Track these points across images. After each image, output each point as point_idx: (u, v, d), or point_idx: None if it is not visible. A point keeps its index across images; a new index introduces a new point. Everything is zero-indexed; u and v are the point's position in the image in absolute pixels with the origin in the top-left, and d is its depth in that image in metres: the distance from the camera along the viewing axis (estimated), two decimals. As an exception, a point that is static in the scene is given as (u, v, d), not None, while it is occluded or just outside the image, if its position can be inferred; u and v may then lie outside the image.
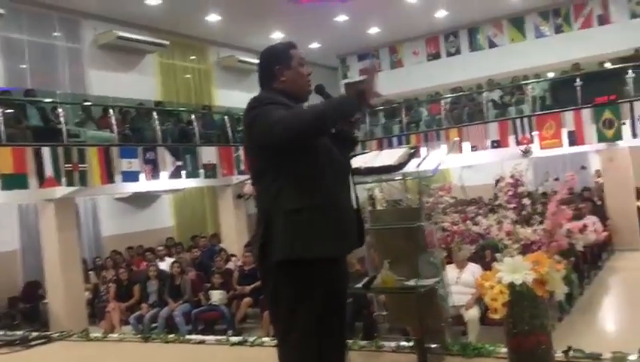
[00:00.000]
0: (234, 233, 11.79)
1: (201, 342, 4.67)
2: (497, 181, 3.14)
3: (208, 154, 11.47)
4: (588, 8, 15.26)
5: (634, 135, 11.35)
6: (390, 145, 13.37)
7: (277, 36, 15.14)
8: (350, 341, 3.83)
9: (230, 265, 9.56)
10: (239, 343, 4.42)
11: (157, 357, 4.63)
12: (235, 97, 14.22)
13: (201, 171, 11.30)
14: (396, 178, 3.53)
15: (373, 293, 3.55)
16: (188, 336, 5.10)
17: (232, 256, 10.15)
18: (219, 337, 4.73)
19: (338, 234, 2.33)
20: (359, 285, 3.21)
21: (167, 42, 13.81)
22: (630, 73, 11.98)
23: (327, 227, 2.30)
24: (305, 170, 2.33)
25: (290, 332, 2.38)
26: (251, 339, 4.39)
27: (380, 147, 13.19)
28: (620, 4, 14.86)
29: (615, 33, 14.46)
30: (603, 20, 15.11)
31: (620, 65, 12.77)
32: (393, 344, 3.73)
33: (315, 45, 16.13)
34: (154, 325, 8.20)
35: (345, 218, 2.38)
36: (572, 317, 7.18)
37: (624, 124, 11.35)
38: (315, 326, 2.35)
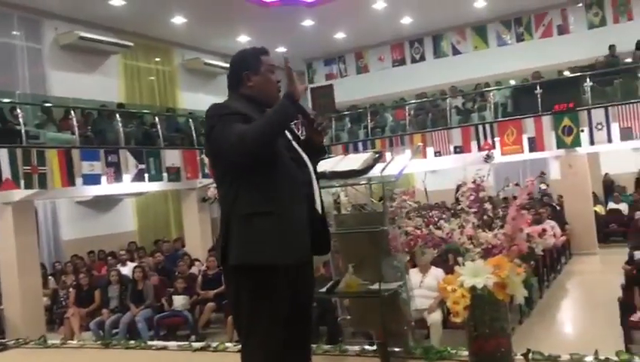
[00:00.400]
0: (198, 237, 11.67)
1: (164, 348, 4.58)
2: (458, 186, 3.19)
3: (172, 157, 11.35)
4: (548, 18, 15.65)
5: (591, 142, 11.69)
6: (356, 150, 13.46)
7: (243, 39, 15.10)
8: (314, 345, 3.83)
9: (194, 270, 9.45)
10: (202, 349, 4.36)
11: (118, 364, 4.55)
12: (200, 100, 14.11)
13: (165, 174, 11.17)
14: (361, 182, 3.55)
15: (337, 297, 3.55)
16: (150, 342, 5.00)
17: (196, 260, 10.04)
18: (181, 343, 4.65)
19: (288, 243, 2.31)
20: (323, 289, 3.21)
21: (131, 43, 13.62)
22: (588, 82, 12.36)
23: (278, 235, 2.28)
24: (260, 176, 2.32)
25: (250, 337, 2.38)
26: (214, 345, 4.34)
27: (346, 151, 13.22)
28: (578, 15, 15.29)
29: (574, 43, 14.89)
30: (562, 30, 15.53)
31: (579, 74, 13.14)
32: (357, 348, 3.74)
33: (281, 49, 16.11)
34: (115, 331, 8.04)
35: (297, 227, 2.34)
36: (532, 320, 7.34)
37: (582, 131, 11.68)
38: (275, 332, 2.34)
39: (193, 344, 4.57)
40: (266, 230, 2.28)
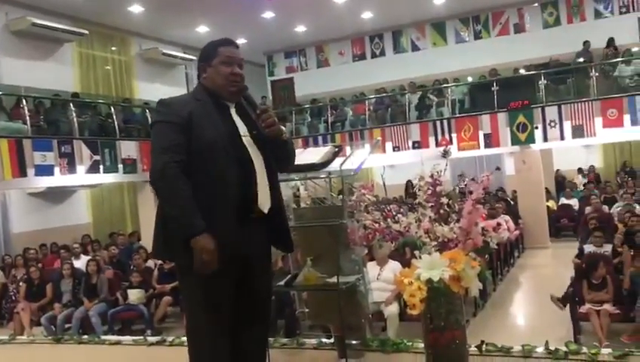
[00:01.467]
0: (153, 230, 11.44)
1: (117, 343, 4.50)
2: (408, 181, 3.23)
3: (128, 148, 11.13)
4: (505, 16, 15.96)
5: (545, 139, 12.02)
6: (316, 144, 13.47)
7: (202, 30, 14.89)
8: (271, 339, 3.82)
9: (150, 264, 9.30)
10: (157, 343, 4.29)
11: (70, 360, 4.43)
12: (157, 91, 13.86)
13: (121, 166, 10.95)
14: (321, 176, 3.55)
15: (295, 291, 3.55)
16: (103, 337, 4.90)
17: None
18: (136, 337, 4.56)
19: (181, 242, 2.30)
20: (281, 283, 3.21)
21: (86, 32, 13.23)
22: (542, 80, 12.67)
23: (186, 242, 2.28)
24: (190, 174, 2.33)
25: (192, 331, 2.42)
26: (170, 339, 4.28)
27: (306, 145, 13.22)
28: (534, 15, 15.65)
29: (529, 41, 15.22)
30: (519, 29, 15.86)
31: (534, 72, 13.48)
32: (314, 341, 3.75)
33: (241, 41, 15.94)
34: (67, 326, 7.86)
35: (220, 228, 2.30)
36: (486, 312, 7.51)
37: (536, 128, 11.99)
38: (213, 324, 2.36)
39: (148, 338, 4.49)
40: (172, 230, 2.33)
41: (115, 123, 11.46)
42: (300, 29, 16.59)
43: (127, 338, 4.62)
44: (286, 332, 6.11)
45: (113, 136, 11.26)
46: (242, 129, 2.49)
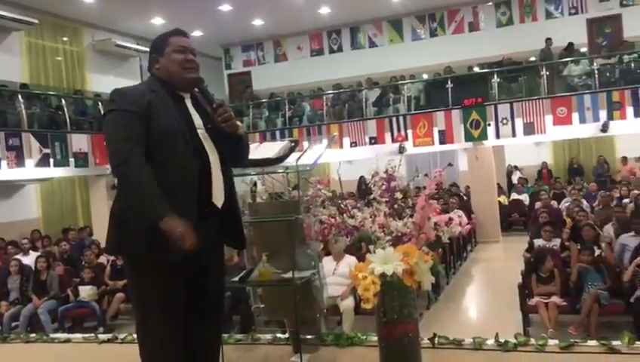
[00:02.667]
0: (107, 226, 11.19)
1: (67, 341, 4.38)
2: (361, 177, 3.25)
3: (80, 141, 10.86)
4: (460, 15, 16.24)
5: (497, 135, 12.30)
6: (273, 138, 13.43)
7: (157, 22, 14.62)
8: (226, 335, 3.80)
9: (102, 260, 9.10)
10: (109, 340, 4.20)
11: (16, 359, 4.29)
12: (110, 83, 13.43)
13: (72, 160, 10.67)
14: (278, 171, 3.54)
15: (250, 286, 3.54)
16: (53, 335, 4.76)
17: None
18: (87, 335, 4.45)
19: (156, 239, 2.23)
20: (235, 279, 3.19)
21: (35, 21, 12.80)
22: (495, 78, 12.97)
23: (146, 233, 2.24)
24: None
25: (141, 327, 2.38)
26: (122, 336, 4.20)
27: (263, 140, 13.17)
28: (488, 14, 15.97)
29: (483, 40, 15.53)
30: (473, 27, 16.16)
31: (487, 70, 13.78)
32: (269, 336, 3.75)
33: (197, 33, 15.75)
34: (15, 324, 7.61)
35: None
36: (439, 305, 7.65)
37: (489, 125, 12.26)
38: (166, 320, 2.33)
39: (99, 336, 4.39)
40: (132, 224, 2.28)
41: (66, 115, 11.15)
42: (258, 22, 16.48)
43: (78, 336, 4.51)
44: (241, 327, 6.09)
45: (64, 128, 10.96)
46: (197, 122, 2.46)
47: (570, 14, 15.21)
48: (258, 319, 3.99)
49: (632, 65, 12.64)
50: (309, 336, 3.47)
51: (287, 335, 3.61)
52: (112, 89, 2.43)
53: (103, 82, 14.20)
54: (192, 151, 2.35)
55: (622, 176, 14.38)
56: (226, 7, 14.71)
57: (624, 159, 15.04)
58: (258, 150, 3.25)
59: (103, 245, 9.93)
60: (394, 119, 13.30)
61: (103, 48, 15.11)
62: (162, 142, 2.30)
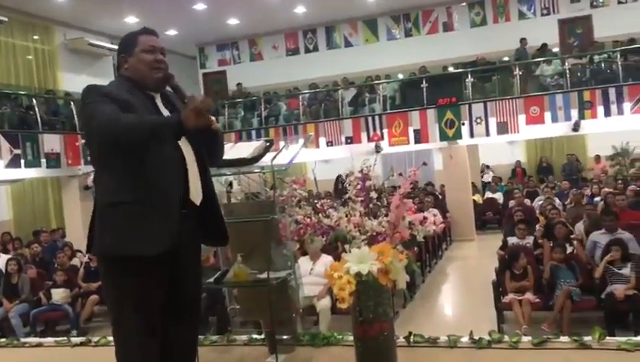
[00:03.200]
0: (80, 227, 11.03)
1: (39, 345, 4.30)
2: (338, 177, 3.25)
3: (51, 142, 10.68)
4: (435, 15, 16.35)
5: (471, 135, 12.44)
6: (249, 138, 13.38)
7: (131, 20, 14.43)
8: (202, 336, 3.77)
9: (75, 262, 8.97)
10: (82, 344, 4.14)
11: (-14, 364, 4.21)
12: (83, 82, 12.85)
13: (44, 160, 10.48)
14: (255, 171, 3.52)
15: (226, 287, 3.52)
16: (24, 339, 4.67)
17: (78, 251, 9.52)
18: (59, 338, 4.38)
19: (143, 235, 2.24)
20: (211, 280, 3.16)
21: (5, 18, 12.52)
22: (469, 78, 13.10)
23: (137, 225, 2.23)
24: (127, 162, 2.25)
25: (117, 329, 2.35)
26: (95, 339, 4.14)
27: (239, 139, 13.11)
28: (462, 14, 16.11)
29: (457, 40, 15.67)
30: (447, 27, 16.29)
31: (461, 70, 13.91)
32: (245, 337, 3.73)
33: (172, 32, 15.61)
34: (-15, 328, 7.46)
35: (157, 218, 2.26)
36: (415, 304, 7.70)
37: (463, 124, 12.39)
38: (142, 321, 2.30)
39: (72, 339, 4.32)
40: (125, 220, 2.24)
41: (38, 115, 10.96)
42: (233, 21, 16.39)
43: (50, 340, 4.43)
44: (218, 328, 6.05)
45: (35, 129, 10.76)
46: None
47: (542, 15, 15.44)
48: (234, 320, 3.97)
49: (602, 65, 12.88)
50: (285, 337, 3.46)
51: (263, 336, 3.59)
52: (88, 85, 2.38)
53: (75, 82, 13.95)
54: (167, 150, 2.33)
55: (594, 174, 14.66)
56: (200, 6, 14.60)
57: (597, 158, 15.32)
58: (233, 150, 3.24)
59: (76, 247, 9.83)
60: (370, 119, 13.36)
61: (75, 47, 14.87)
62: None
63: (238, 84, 16.98)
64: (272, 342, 3.27)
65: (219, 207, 2.62)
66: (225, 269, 3.27)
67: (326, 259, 6.15)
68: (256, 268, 3.28)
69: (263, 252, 3.24)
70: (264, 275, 3.15)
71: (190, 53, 18.34)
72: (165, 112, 2.45)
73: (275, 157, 3.32)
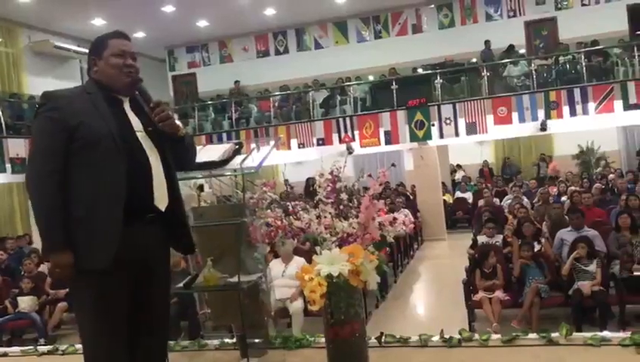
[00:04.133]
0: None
1: (4, 355, 4.18)
2: (308, 179, 3.26)
3: (17, 146, 10.46)
4: (404, 17, 16.47)
5: (441, 135, 12.58)
6: (220, 141, 13.30)
7: (98, 22, 14.22)
8: (172, 342, 3.73)
9: (43, 269, 8.76)
10: (49, 352, 4.06)
11: (-51, 376, 4.10)
12: (49, 85, 12.71)
13: (9, 166, 10.26)
14: (226, 173, 3.50)
15: (195, 292, 3.48)
16: (-12, 349, 4.56)
17: (45, 257, 9.33)
18: (25, 347, 4.28)
19: (91, 249, 2.23)
20: (180, 285, 3.13)
21: (-34, 20, 12.27)
22: (438, 79, 13.24)
23: (85, 238, 2.22)
24: (75, 175, 2.26)
25: (88, 342, 2.32)
26: (63, 347, 4.06)
27: (210, 142, 13.02)
28: (430, 16, 16.26)
29: (426, 41, 15.81)
30: (416, 29, 16.42)
31: (430, 72, 14.05)
32: (216, 342, 3.70)
33: (140, 35, 15.41)
34: (-52, 339, 7.25)
35: (106, 229, 2.24)
36: (387, 304, 7.74)
37: (433, 125, 12.51)
38: (109, 330, 2.27)
39: (39, 348, 4.23)
40: (72, 235, 2.23)
41: (2, 119, 10.72)
42: (202, 23, 16.27)
43: (16, 349, 4.33)
44: (189, 334, 5.98)
45: (-1, 133, 10.54)
46: (136, 124, 2.42)
47: (508, 17, 15.67)
48: (206, 325, 3.93)
49: (567, 66, 13.14)
50: (257, 340, 3.45)
51: (234, 340, 3.57)
52: (43, 91, 2.38)
53: (41, 85, 13.59)
54: (124, 156, 2.30)
55: (549, 173, 15.08)
56: (169, 8, 14.45)
57: (549, 158, 15.96)
58: (202, 153, 3.21)
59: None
60: (341, 120, 13.41)
61: (40, 50, 14.56)
62: (90, 148, 2.26)
63: (236, 82, 16.70)
64: (244, 346, 3.25)
65: (185, 216, 2.61)
66: (195, 274, 3.24)
67: (299, 261, 6.14)
68: (226, 271, 3.26)
69: (234, 255, 3.21)
70: (235, 279, 3.13)
71: (159, 56, 18.15)
72: (133, 118, 2.43)
73: (244, 159, 3.30)
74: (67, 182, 2.25)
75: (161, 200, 2.41)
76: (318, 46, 17.20)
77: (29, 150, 2.37)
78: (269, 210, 3.49)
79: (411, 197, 13.74)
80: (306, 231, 3.26)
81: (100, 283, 2.23)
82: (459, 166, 16.90)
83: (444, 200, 13.71)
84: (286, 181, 3.66)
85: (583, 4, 14.98)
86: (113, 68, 2.40)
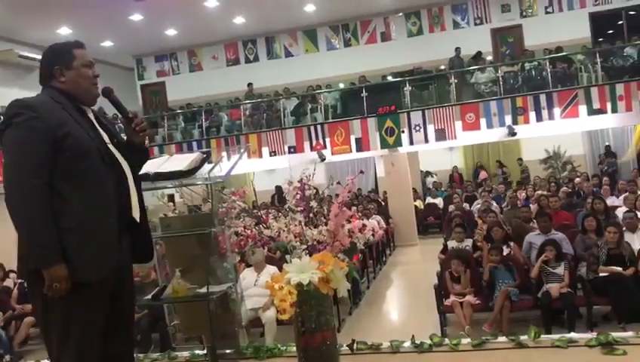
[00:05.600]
0: (12, 247, 10.52)
1: (-32, 373, 4.09)
2: (277, 187, 3.25)
3: (-20, 158, 10.17)
4: (373, 25, 16.61)
5: (411, 142, 12.69)
6: (190, 150, 13.19)
7: (64, 32, 14.00)
8: (142, 354, 3.67)
9: (8, 283, 8.57)
10: (15, 369, 3.97)
11: None
12: (14, 96, 12.54)
13: (-29, 178, 9.96)
14: (197, 183, 3.46)
15: (164, 304, 3.43)
16: (-49, 367, 4.43)
17: (11, 271, 9.10)
18: (-10, 365, 4.18)
19: (89, 260, 2.20)
20: (148, 297, 3.08)
21: None
22: (408, 86, 13.38)
23: (77, 253, 2.18)
24: (64, 187, 2.20)
25: (64, 354, 2.23)
26: (29, 364, 3.97)
27: (180, 151, 12.94)
28: (399, 24, 16.43)
29: (395, 49, 15.97)
30: (385, 37, 16.57)
31: (399, 79, 14.19)
32: (187, 353, 3.65)
33: (108, 43, 15.23)
34: None
35: (100, 241, 2.23)
36: (360, 310, 7.75)
37: (403, 132, 12.62)
38: (91, 345, 2.23)
39: (4, 365, 4.12)
40: (65, 247, 2.16)
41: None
42: (171, 32, 16.14)
43: (-21, 366, 4.21)
44: (161, 346, 5.90)
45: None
46: (104, 136, 2.41)
47: (475, 24, 15.93)
48: (176, 336, 3.88)
49: (533, 72, 13.41)
50: (227, 351, 3.41)
51: (205, 351, 3.52)
52: (14, 100, 2.28)
53: (5, 95, 13.25)
54: (108, 166, 2.31)
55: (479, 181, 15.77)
56: (137, 17, 14.31)
57: (428, 173, 16.73)
58: (168, 163, 3.17)
59: (8, 267, 9.38)
60: (312, 128, 13.44)
61: (4, 59, 14.26)
62: (78, 158, 2.22)
63: (249, 84, 16.44)
64: (214, 357, 3.21)
65: (148, 224, 2.60)
66: (163, 285, 3.20)
67: (271, 270, 6.10)
68: (196, 282, 3.22)
69: (202, 266, 3.18)
70: (204, 289, 3.09)
71: (127, 65, 17.94)
72: (99, 129, 2.41)
73: (212, 168, 3.27)
74: (52, 194, 2.18)
75: (136, 211, 2.43)
76: (288, 54, 17.22)
77: (4, 163, 2.21)
78: (238, 219, 3.47)
79: (383, 203, 13.80)
80: (276, 240, 3.24)
81: (89, 294, 2.20)
82: (429, 172, 17.07)
83: (416, 206, 13.81)
84: (254, 190, 3.64)
85: (547, 12, 15.31)
86: (85, 79, 2.37)
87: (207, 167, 3.35)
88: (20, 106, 2.24)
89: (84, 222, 2.19)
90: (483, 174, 16.49)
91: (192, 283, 3.21)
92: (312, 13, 15.77)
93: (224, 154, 3.87)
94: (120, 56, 16.53)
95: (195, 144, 14.18)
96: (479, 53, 14.69)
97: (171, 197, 4.01)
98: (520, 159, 16.48)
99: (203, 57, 17.83)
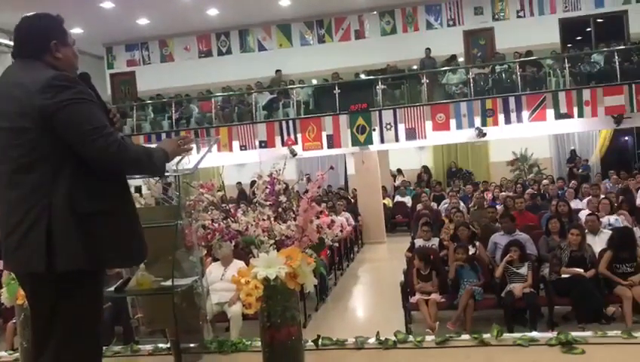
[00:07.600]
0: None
1: None
2: (253, 182, 3.23)
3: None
4: (347, 22, 16.60)
5: (382, 140, 12.76)
6: (159, 141, 13.01)
7: (31, 16, 13.64)
8: (105, 346, 3.61)
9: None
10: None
11: None
12: None
13: None
14: (165, 175, 3.41)
15: (127, 296, 3.38)
16: None
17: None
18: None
19: (131, 244, 2.21)
20: (111, 288, 3.03)
21: None
22: (380, 85, 13.43)
23: (122, 236, 2.16)
24: (91, 171, 2.09)
25: (71, 347, 2.10)
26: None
27: (148, 143, 12.75)
28: (373, 22, 16.47)
29: (369, 47, 15.99)
30: (359, 35, 16.57)
31: (372, 77, 14.24)
32: (150, 347, 3.61)
33: (77, 30, 14.90)
34: None
35: (136, 225, 2.25)
36: (327, 306, 7.78)
37: (374, 130, 12.68)
38: (98, 333, 2.20)
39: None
40: (108, 232, 2.11)
41: None
42: (143, 21, 15.89)
43: None
44: (124, 339, 5.81)
45: None
46: None
47: (448, 25, 16.05)
48: (140, 329, 3.82)
49: (503, 75, 13.60)
50: (191, 345, 3.38)
51: (168, 345, 3.48)
52: (59, 74, 2.10)
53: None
54: None
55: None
56: (108, 5, 14.05)
57: (398, 171, 16.97)
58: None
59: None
60: (284, 123, 13.39)
61: (-32, 43, 13.87)
62: None
63: (278, 71, 16.11)
64: (178, 351, 3.18)
65: None
66: (127, 277, 3.14)
67: (238, 265, 6.06)
68: (161, 275, 3.17)
69: (168, 259, 3.13)
70: (169, 282, 3.05)
71: (97, 53, 17.61)
72: None
73: (179, 161, 3.22)
74: (80, 175, 2.07)
75: None
76: (261, 48, 17.09)
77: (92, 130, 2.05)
78: (206, 212, 3.43)
79: (352, 200, 13.86)
80: (244, 234, 3.22)
81: (101, 281, 2.21)
82: (399, 170, 17.20)
83: (385, 204, 13.90)
84: (222, 184, 3.59)
85: (519, 16, 15.53)
86: (75, 58, 2.29)
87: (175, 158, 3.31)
88: (69, 79, 2.11)
89: (120, 206, 2.20)
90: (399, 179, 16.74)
91: (156, 275, 3.16)
92: (286, 8, 15.70)
93: (193, 145, 3.82)
94: (89, 43, 16.18)
95: (163, 135, 14.00)
96: (454, 57, 14.84)
97: (138, 189, 3.95)
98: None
99: (175, 48, 17.58)
